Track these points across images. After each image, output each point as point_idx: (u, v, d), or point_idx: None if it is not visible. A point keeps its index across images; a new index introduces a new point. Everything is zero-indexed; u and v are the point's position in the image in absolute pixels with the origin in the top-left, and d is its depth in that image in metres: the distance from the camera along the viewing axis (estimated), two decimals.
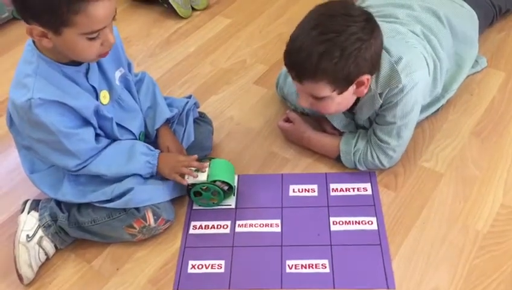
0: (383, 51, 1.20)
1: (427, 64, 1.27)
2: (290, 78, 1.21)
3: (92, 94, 1.16)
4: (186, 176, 1.24)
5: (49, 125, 1.08)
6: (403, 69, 1.19)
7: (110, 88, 1.21)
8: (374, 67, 1.19)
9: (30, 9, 0.99)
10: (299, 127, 1.43)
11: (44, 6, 0.96)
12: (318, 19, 1.13)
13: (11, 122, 1.19)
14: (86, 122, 1.16)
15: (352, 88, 1.18)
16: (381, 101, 1.24)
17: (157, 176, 1.25)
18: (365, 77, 1.16)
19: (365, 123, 1.36)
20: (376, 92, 1.23)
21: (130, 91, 1.29)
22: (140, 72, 1.38)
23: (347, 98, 1.22)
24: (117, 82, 1.23)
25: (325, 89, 1.15)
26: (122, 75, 1.25)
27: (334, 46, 1.09)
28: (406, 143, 1.33)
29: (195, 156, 1.27)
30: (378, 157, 1.31)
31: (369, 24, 1.13)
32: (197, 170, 1.26)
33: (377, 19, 1.18)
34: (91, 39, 1.03)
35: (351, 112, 1.33)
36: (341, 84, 1.15)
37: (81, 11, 0.97)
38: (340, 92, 1.17)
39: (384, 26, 1.24)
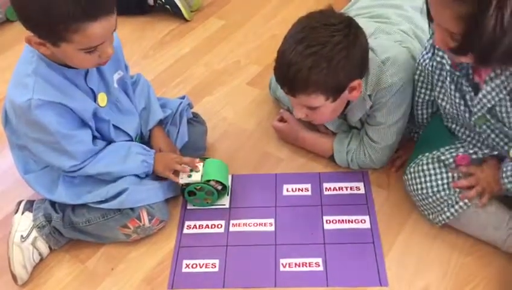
0: (370, 52, 1.21)
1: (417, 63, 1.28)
2: None
3: (90, 96, 1.17)
4: (180, 176, 1.25)
5: (48, 126, 1.09)
6: (390, 69, 1.21)
7: (108, 90, 1.22)
8: (363, 71, 1.20)
9: (29, 21, 0.99)
10: (293, 126, 1.44)
11: (42, 22, 0.97)
12: (302, 32, 1.15)
13: (6, 121, 1.19)
14: (84, 124, 1.17)
15: (345, 94, 1.20)
16: (371, 102, 1.26)
17: (153, 175, 1.26)
18: (356, 82, 1.18)
19: (357, 124, 1.37)
20: (365, 94, 1.24)
21: (127, 93, 1.30)
22: (136, 74, 1.39)
23: (341, 104, 1.24)
24: (115, 85, 1.24)
25: (318, 99, 1.17)
26: (121, 78, 1.25)
27: (321, 58, 1.12)
28: (397, 143, 1.34)
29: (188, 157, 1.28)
30: (370, 156, 1.32)
31: (351, 30, 1.15)
32: (191, 170, 1.26)
33: (368, 19, 1.19)
34: (89, 52, 1.03)
35: (342, 114, 1.34)
36: (334, 92, 1.17)
37: (79, 30, 0.97)
38: (334, 100, 1.19)
39: (372, 26, 1.25)
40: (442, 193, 1.16)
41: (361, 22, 1.21)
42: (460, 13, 0.86)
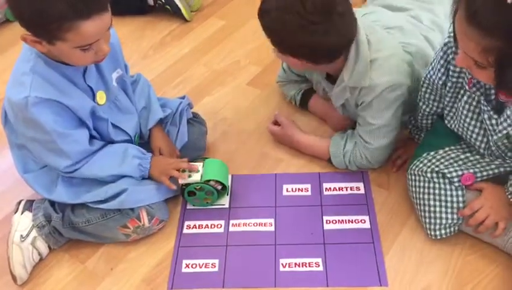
0: (366, 45, 1.19)
1: (412, 71, 1.26)
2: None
3: (88, 94, 1.16)
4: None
5: (44, 124, 1.09)
6: (377, 69, 1.20)
7: (107, 89, 1.21)
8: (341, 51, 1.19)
9: (23, 20, 1.00)
10: (287, 130, 1.43)
11: (36, 22, 0.97)
12: None
13: (5, 120, 1.20)
14: (81, 123, 1.17)
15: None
16: (349, 94, 1.25)
17: (149, 178, 1.25)
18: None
19: (342, 110, 1.36)
20: (347, 85, 1.23)
21: (126, 92, 1.30)
22: (136, 73, 1.39)
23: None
24: (114, 83, 1.23)
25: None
26: (119, 76, 1.25)
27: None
28: (393, 143, 1.32)
29: (186, 159, 1.28)
30: (366, 157, 1.32)
31: None
32: (189, 172, 1.26)
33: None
34: (84, 50, 1.03)
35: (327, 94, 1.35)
36: None
37: (72, 29, 0.98)
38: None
39: (400, 20, 1.24)
40: (444, 209, 1.16)
41: (388, 13, 1.18)
42: (486, 46, 0.86)
